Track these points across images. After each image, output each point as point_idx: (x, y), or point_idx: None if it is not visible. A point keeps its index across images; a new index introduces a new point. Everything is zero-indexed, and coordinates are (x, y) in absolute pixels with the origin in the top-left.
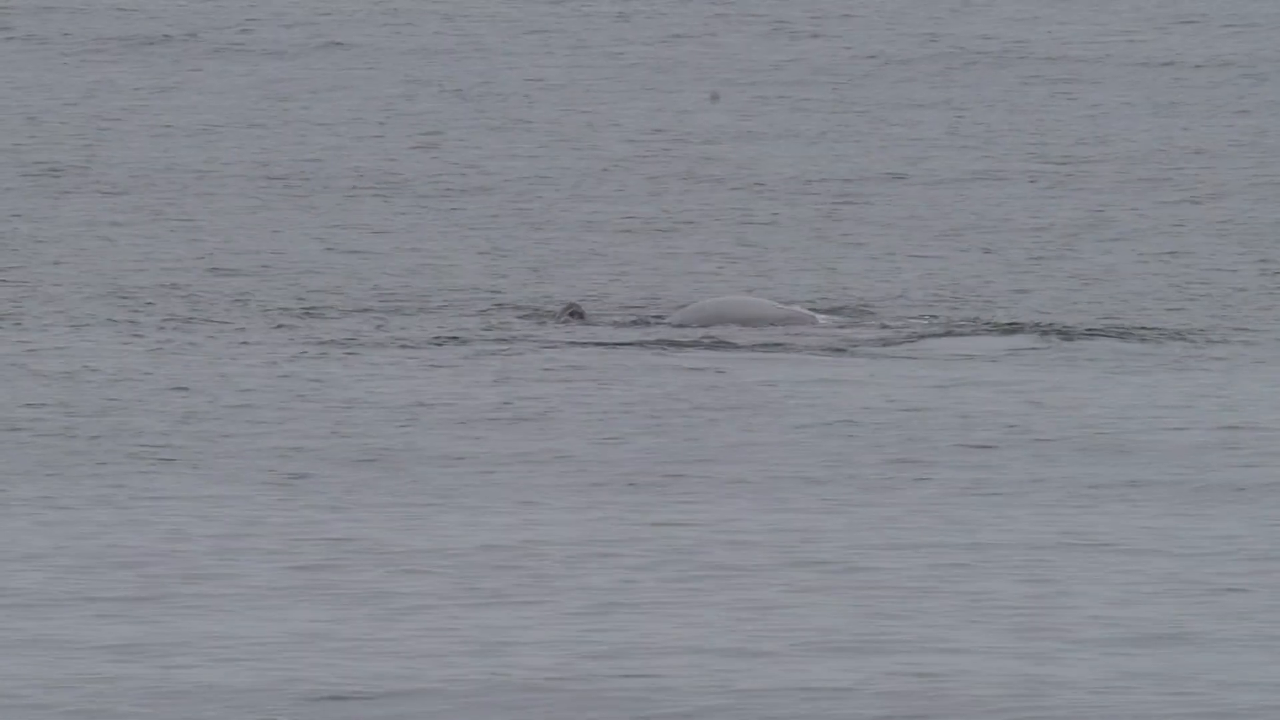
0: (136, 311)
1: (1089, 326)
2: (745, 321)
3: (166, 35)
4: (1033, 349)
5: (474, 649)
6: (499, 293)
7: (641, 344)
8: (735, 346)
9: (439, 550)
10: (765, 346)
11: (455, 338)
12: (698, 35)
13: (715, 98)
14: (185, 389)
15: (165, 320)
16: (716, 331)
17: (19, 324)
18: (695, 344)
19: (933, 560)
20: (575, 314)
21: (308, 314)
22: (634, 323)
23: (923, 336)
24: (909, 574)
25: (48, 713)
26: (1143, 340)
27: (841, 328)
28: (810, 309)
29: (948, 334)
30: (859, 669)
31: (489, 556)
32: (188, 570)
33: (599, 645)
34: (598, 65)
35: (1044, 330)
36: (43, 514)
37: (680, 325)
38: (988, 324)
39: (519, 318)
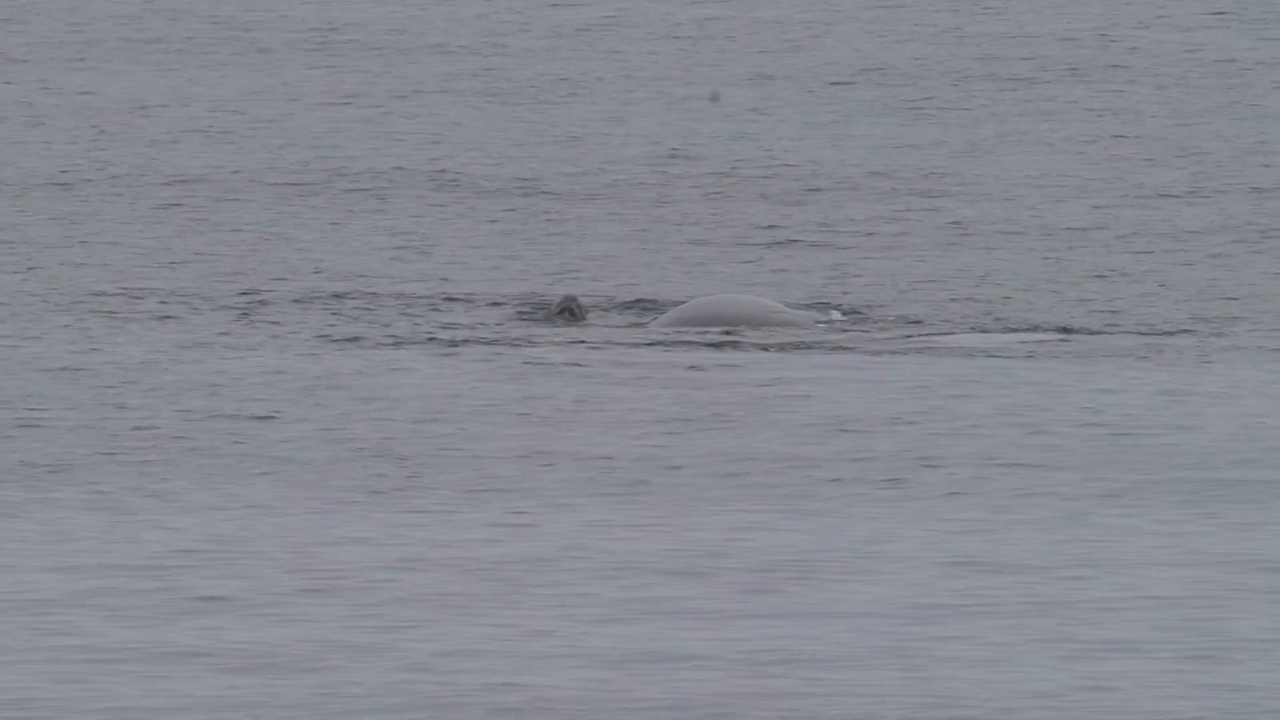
0: (154, 313)
1: (1106, 325)
2: (738, 321)
3: (184, 35)
4: (1043, 348)
5: (491, 657)
6: (505, 293)
7: (638, 344)
8: (733, 346)
9: (467, 555)
10: (765, 346)
11: (455, 337)
12: (715, 35)
13: (715, 97)
14: (202, 390)
15: (181, 321)
16: (710, 332)
17: (48, 324)
18: (693, 344)
19: (950, 565)
20: (567, 311)
21: (316, 313)
22: (631, 324)
23: (930, 336)
24: (927, 580)
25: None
26: (1159, 337)
27: (842, 330)
28: (812, 308)
29: (954, 333)
30: (886, 677)
31: (500, 563)
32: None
33: (623, 653)
34: (611, 62)
35: (1056, 329)
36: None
37: (672, 325)
38: (980, 322)
39: (519, 314)
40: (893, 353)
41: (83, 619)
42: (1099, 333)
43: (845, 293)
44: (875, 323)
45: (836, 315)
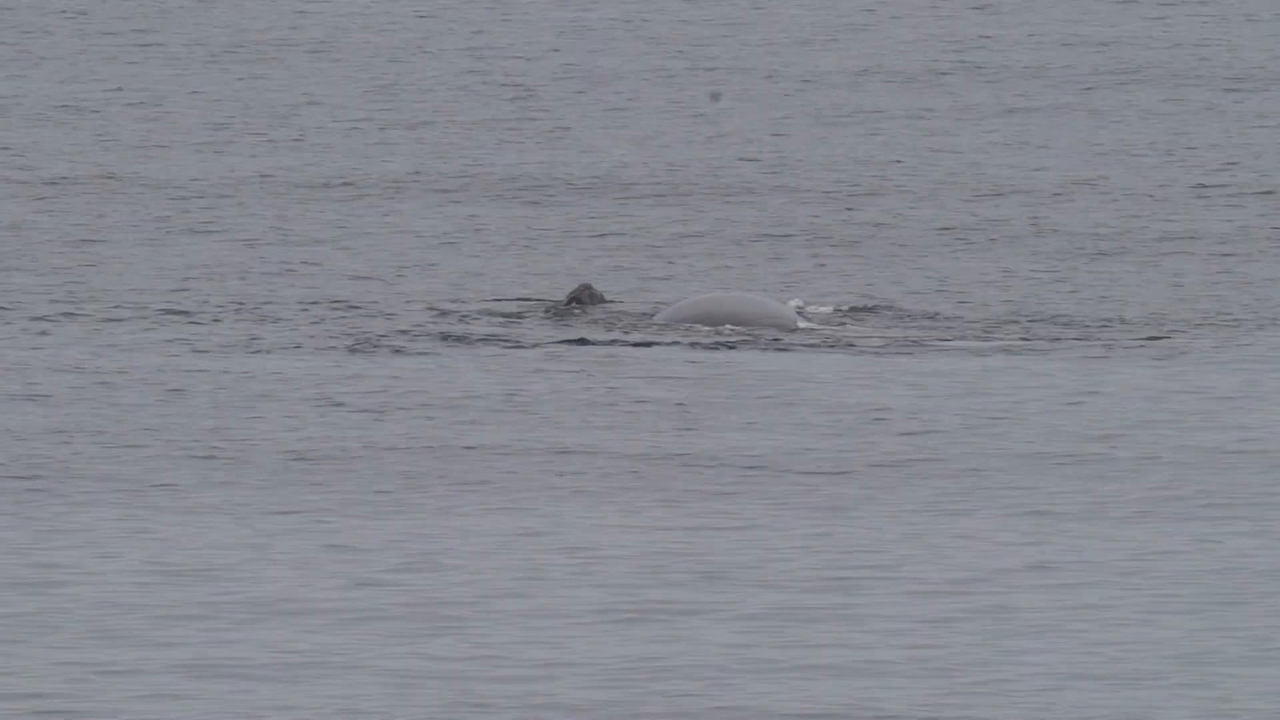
0: (163, 316)
1: (1117, 326)
2: (730, 319)
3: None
4: (1052, 348)
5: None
6: (514, 291)
7: (642, 343)
8: (729, 344)
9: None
10: (764, 344)
11: (463, 335)
12: (723, 35)
13: (716, 97)
14: (213, 393)
15: (190, 324)
16: (705, 329)
17: (76, 325)
18: (697, 342)
19: (961, 570)
20: (576, 300)
21: (327, 315)
22: (629, 321)
23: (937, 335)
24: (944, 587)
25: None
26: (1171, 339)
27: (822, 325)
28: (811, 307)
29: (963, 333)
30: (907, 687)
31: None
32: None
33: (644, 660)
34: (627, 65)
35: (1067, 329)
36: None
37: (668, 322)
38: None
39: (529, 310)
40: (903, 352)
41: (137, 627)
42: (1110, 335)
43: (850, 291)
44: (881, 320)
45: (819, 309)
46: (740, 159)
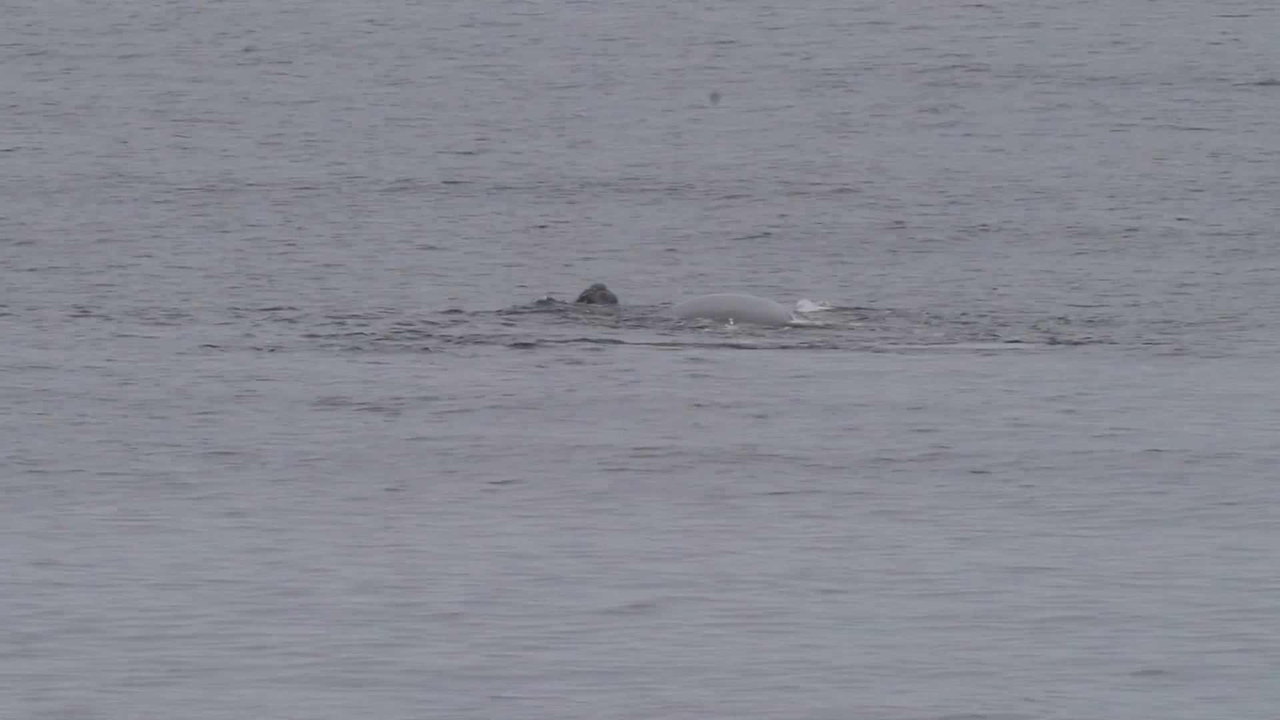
0: (168, 318)
1: (1123, 326)
2: (733, 317)
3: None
4: (1058, 348)
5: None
6: (522, 290)
7: (653, 343)
8: (731, 344)
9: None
10: (765, 343)
11: (474, 335)
12: (727, 37)
13: (715, 98)
14: (221, 395)
15: (199, 326)
16: (707, 326)
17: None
18: (702, 341)
19: (968, 573)
20: (586, 299)
21: (334, 316)
22: (640, 321)
23: (945, 335)
24: (957, 587)
25: None
26: (1179, 339)
27: (820, 323)
28: (811, 307)
29: (971, 334)
30: (920, 687)
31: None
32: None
33: (657, 659)
34: (651, 66)
35: (1076, 330)
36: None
37: (676, 319)
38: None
39: (536, 308)
40: (912, 351)
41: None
42: (1121, 334)
43: (858, 291)
44: (882, 319)
45: (810, 305)
46: (747, 159)
